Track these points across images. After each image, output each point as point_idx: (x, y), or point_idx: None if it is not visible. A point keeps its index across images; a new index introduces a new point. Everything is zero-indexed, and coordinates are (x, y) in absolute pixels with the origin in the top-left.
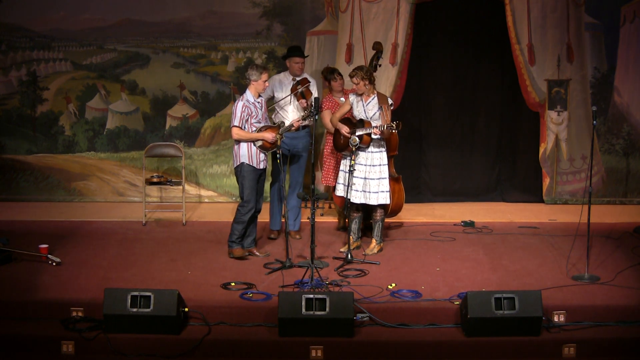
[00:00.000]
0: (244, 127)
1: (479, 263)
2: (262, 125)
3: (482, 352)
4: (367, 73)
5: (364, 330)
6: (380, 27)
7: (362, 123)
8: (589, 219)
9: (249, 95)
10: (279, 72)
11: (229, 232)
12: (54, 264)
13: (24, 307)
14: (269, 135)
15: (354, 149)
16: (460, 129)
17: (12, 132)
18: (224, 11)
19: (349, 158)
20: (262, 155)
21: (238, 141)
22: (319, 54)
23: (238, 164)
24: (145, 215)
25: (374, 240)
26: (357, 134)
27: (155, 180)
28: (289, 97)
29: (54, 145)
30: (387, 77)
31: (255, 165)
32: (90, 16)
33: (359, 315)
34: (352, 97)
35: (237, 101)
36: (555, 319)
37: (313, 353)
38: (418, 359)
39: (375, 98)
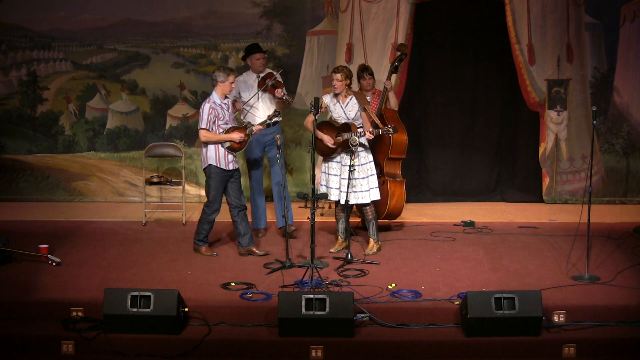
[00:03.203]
0: (212, 129)
1: (479, 263)
2: (229, 126)
3: (482, 352)
4: (350, 73)
5: (364, 330)
6: (380, 27)
7: (347, 126)
8: (589, 219)
9: (215, 96)
10: (240, 74)
11: (228, 232)
12: (54, 264)
13: (24, 307)
14: (236, 136)
15: (354, 149)
16: (460, 129)
17: (12, 132)
18: (224, 11)
19: (337, 161)
20: (230, 157)
21: (206, 143)
22: (319, 54)
23: (206, 165)
24: (145, 215)
25: (371, 240)
26: (354, 138)
27: (155, 180)
28: (257, 94)
29: (54, 145)
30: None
31: (223, 166)
32: (90, 16)
33: (359, 315)
34: (327, 99)
35: (203, 103)
36: (555, 319)
37: (313, 353)
38: (418, 359)
39: (354, 98)
